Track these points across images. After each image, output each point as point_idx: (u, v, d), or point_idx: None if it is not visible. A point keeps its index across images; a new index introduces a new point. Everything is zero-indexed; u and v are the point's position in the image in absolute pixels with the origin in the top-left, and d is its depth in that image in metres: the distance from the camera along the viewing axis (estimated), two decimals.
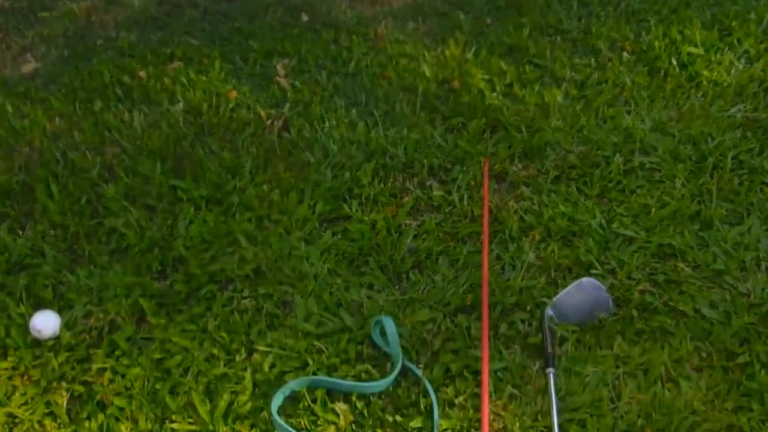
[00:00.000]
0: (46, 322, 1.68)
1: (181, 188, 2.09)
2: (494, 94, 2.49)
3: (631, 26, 2.89)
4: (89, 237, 1.98)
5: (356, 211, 2.00)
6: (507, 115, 2.37)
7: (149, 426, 1.51)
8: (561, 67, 2.65)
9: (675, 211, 1.95)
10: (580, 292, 1.72)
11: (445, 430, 1.47)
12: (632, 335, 1.66)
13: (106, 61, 2.74)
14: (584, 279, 1.75)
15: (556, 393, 1.53)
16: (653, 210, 1.97)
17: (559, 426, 1.46)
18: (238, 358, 1.64)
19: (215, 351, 1.65)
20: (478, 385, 1.56)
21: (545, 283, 1.79)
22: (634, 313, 1.69)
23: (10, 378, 1.64)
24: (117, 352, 1.66)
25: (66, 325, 1.73)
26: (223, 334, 1.68)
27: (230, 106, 2.46)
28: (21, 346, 1.69)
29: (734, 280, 1.75)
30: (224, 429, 1.47)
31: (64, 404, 1.57)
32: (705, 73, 2.51)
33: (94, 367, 1.63)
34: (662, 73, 2.56)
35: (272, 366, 1.61)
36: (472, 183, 2.10)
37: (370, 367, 1.59)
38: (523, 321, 1.70)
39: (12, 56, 2.82)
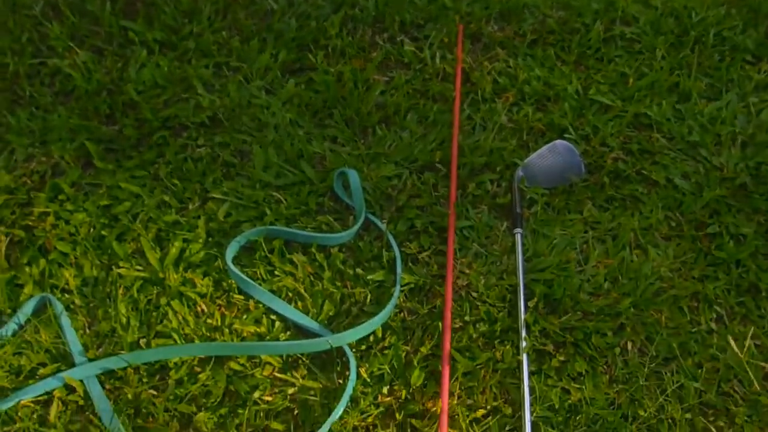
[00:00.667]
0: None
1: (132, 30, 1.93)
2: None
3: None
4: (31, 78, 1.83)
5: (322, 62, 1.88)
6: None
7: (95, 273, 1.43)
8: None
9: (653, 82, 1.88)
10: (553, 155, 1.66)
11: (408, 284, 1.42)
12: (602, 201, 1.62)
13: None
14: (558, 141, 1.68)
15: (523, 253, 1.49)
16: (631, 80, 1.89)
17: (525, 285, 1.42)
18: (191, 206, 1.55)
19: (167, 198, 1.55)
20: (443, 242, 1.51)
21: (516, 146, 1.72)
22: (606, 179, 1.64)
23: None
24: (61, 197, 1.56)
25: (5, 168, 1.61)
26: (176, 182, 1.59)
27: None
28: None
29: (708, 153, 1.70)
30: (175, 276, 1.40)
31: (3, 249, 1.47)
32: None
33: (36, 211, 1.53)
34: None
35: (228, 215, 1.53)
36: (446, 40, 1.98)
37: (331, 220, 1.52)
38: (492, 181, 1.64)
39: None
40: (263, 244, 1.46)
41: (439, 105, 1.81)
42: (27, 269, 1.43)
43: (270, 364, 1.29)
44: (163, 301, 1.36)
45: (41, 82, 1.82)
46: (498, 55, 1.96)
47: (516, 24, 2.06)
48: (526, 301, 1.40)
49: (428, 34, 2.00)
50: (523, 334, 1.34)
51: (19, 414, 1.21)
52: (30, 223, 1.51)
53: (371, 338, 1.34)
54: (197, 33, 1.94)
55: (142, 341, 1.30)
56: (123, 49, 1.91)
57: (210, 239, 1.49)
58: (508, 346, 1.33)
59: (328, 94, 1.78)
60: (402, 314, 1.39)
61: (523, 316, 1.37)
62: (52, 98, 1.78)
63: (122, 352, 1.28)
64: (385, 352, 1.32)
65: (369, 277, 1.42)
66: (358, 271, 1.44)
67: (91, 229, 1.50)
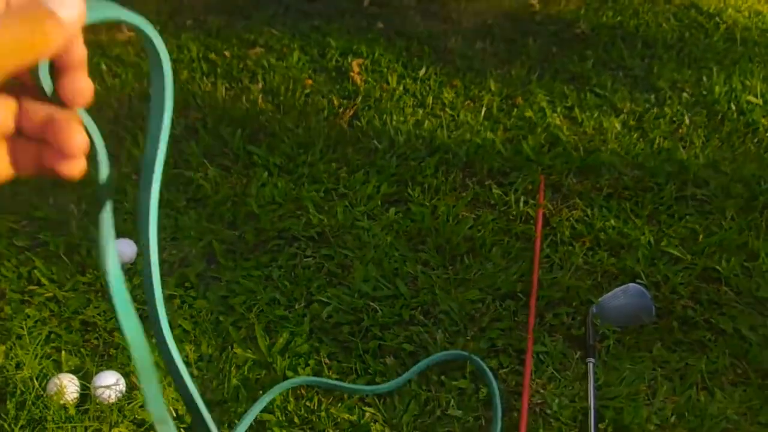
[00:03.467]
0: (124, 248, 1.80)
1: (256, 154, 2.22)
2: (555, 114, 2.60)
3: (692, 71, 3.00)
4: (169, 185, 2.11)
5: (418, 196, 2.11)
6: (566, 133, 2.48)
7: (210, 351, 1.61)
8: (621, 99, 2.76)
9: (722, 240, 2.03)
10: (626, 296, 1.80)
11: (486, 395, 1.55)
12: (671, 343, 1.73)
13: (194, 38, 2.91)
14: (631, 284, 1.83)
15: (595, 381, 1.61)
16: (701, 236, 2.05)
17: (596, 409, 1.53)
18: (297, 306, 1.74)
19: (277, 296, 1.75)
20: (521, 363, 1.64)
21: (591, 285, 1.87)
22: (675, 324, 1.76)
23: (86, 292, 1.76)
24: (186, 284, 1.78)
25: (141, 256, 1.84)
26: (286, 283, 1.79)
27: (306, 91, 2.59)
28: (100, 266, 1.81)
29: None
30: (281, 362, 1.57)
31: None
32: (763, 122, 2.60)
33: (165, 293, 1.74)
34: (720, 117, 2.65)
35: (329, 316, 1.71)
36: (529, 188, 2.20)
37: (421, 330, 1.68)
38: (567, 314, 1.78)
39: (108, 25, 2.99)
40: (359, 345, 1.62)
41: (521, 243, 2.00)
42: (153, 340, 1.61)
43: None
44: (268, 380, 1.53)
45: (177, 189, 2.10)
46: (576, 205, 2.16)
47: (593, 179, 2.27)
48: (596, 423, 1.51)
49: (513, 181, 2.23)
50: None
51: None
52: None
53: None
54: (310, 162, 2.22)
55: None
56: (247, 169, 2.19)
57: (313, 335, 1.66)
58: None
59: (423, 224, 2.00)
60: (481, 421, 1.51)
61: None
62: (185, 203, 2.05)
63: (236, 421, 1.43)
64: None
65: (453, 383, 1.56)
66: (443, 378, 1.58)
67: (210, 314, 1.70)
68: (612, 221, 2.09)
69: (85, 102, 0.40)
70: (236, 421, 1.45)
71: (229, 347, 1.62)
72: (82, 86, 0.39)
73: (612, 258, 1.96)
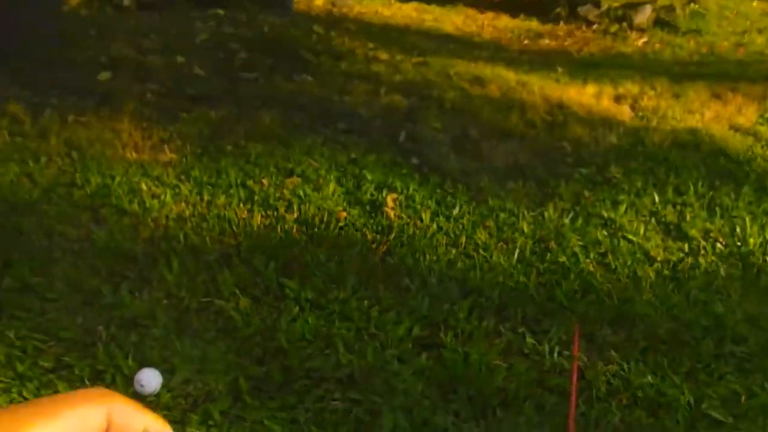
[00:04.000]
0: (149, 380, 1.77)
1: (288, 287, 2.21)
2: (588, 260, 2.59)
3: (724, 220, 3.00)
4: (199, 312, 2.10)
5: (450, 341, 2.07)
6: (600, 281, 2.45)
7: None
8: (654, 248, 2.75)
9: (765, 403, 1.95)
10: None
11: None
12: None
13: (233, 164, 2.98)
14: None
15: None
16: (743, 398, 1.97)
17: None
18: None
19: None
20: None
21: None
22: None
23: None
24: (210, 422, 1.73)
25: (166, 387, 1.81)
26: (313, 428, 1.74)
27: (339, 224, 2.62)
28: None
29: None
30: None
31: None
32: None
33: (188, 430, 1.69)
34: (755, 269, 2.62)
35: None
36: (563, 337, 2.16)
37: None
38: None
39: (151, 145, 3.09)
40: None
41: (555, 398, 1.93)
42: None
43: None
44: None
45: (207, 318, 2.09)
46: (612, 358, 2.10)
47: (628, 329, 2.23)
48: None
49: (547, 329, 2.19)
50: None
51: None
52: None
53: None
54: (342, 299, 2.20)
55: None
56: (278, 301, 2.18)
57: None
58: None
59: (455, 372, 1.95)
60: None
61: None
62: (214, 334, 2.03)
63: None
64: None
65: None
66: None
67: None
68: (649, 377, 2.02)
69: None
70: None
71: None
72: None
73: (650, 418, 1.89)
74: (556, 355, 2.07)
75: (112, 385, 1.81)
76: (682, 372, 2.06)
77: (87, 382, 1.83)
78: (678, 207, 3.13)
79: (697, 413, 1.91)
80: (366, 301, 2.20)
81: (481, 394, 1.89)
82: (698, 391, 2.00)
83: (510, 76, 4.92)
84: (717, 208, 3.13)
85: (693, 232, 2.89)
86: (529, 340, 2.12)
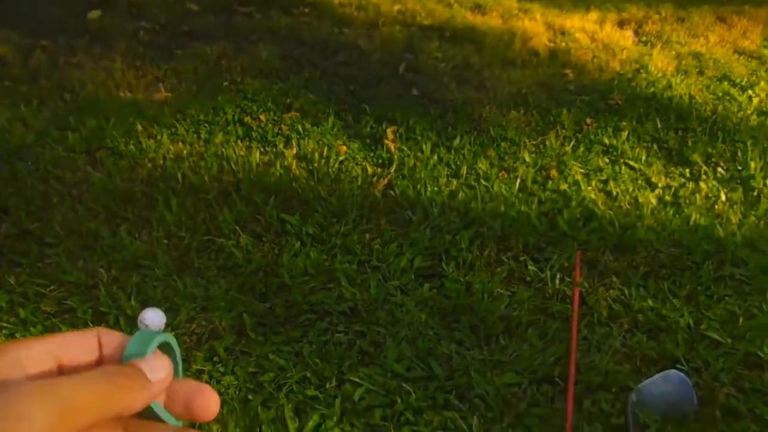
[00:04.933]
0: (152, 319, 1.74)
1: (289, 222, 2.20)
2: (590, 188, 2.57)
3: (726, 145, 2.97)
4: (200, 251, 2.10)
5: (453, 271, 2.07)
6: (601, 208, 2.44)
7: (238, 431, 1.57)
8: (656, 173, 2.73)
9: (763, 324, 1.97)
10: (667, 383, 1.74)
11: None
12: None
13: (231, 101, 2.94)
14: (672, 371, 1.76)
15: None
16: (741, 319, 1.98)
17: None
18: (329, 385, 1.70)
19: (308, 375, 1.71)
20: None
21: (630, 370, 1.81)
22: (718, 414, 1.69)
23: None
24: (215, 358, 1.74)
25: (170, 326, 1.82)
26: (317, 360, 1.75)
27: (340, 158, 2.59)
28: None
29: None
30: None
31: None
32: None
33: (193, 367, 1.71)
34: (756, 193, 2.61)
35: (361, 398, 1.66)
36: (565, 264, 2.16)
37: (456, 417, 1.62)
38: (606, 401, 1.72)
39: (146, 84, 3.05)
40: (392, 430, 1.57)
41: (558, 323, 1.95)
42: None
43: None
44: None
45: (208, 256, 2.09)
46: (613, 284, 2.11)
47: (630, 256, 2.23)
48: None
49: (549, 256, 2.19)
50: None
51: None
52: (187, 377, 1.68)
53: None
54: (344, 233, 2.20)
55: None
56: (279, 237, 2.17)
57: (344, 418, 1.61)
58: None
59: (458, 301, 1.96)
60: None
61: None
62: (216, 272, 2.03)
63: None
64: None
65: None
66: None
67: (238, 392, 1.66)
68: (650, 302, 2.03)
69: (214, 414, 0.43)
70: None
71: (258, 429, 1.57)
72: (210, 408, 0.42)
73: (651, 341, 1.91)
74: (558, 282, 2.08)
75: (115, 326, 1.82)
76: (682, 295, 2.07)
77: (90, 324, 1.84)
78: (680, 132, 3.10)
79: (697, 335, 1.93)
80: (368, 235, 2.19)
81: (484, 322, 1.90)
82: (698, 313, 2.01)
83: (512, 3, 4.81)
84: (719, 133, 3.10)
85: (694, 157, 2.87)
86: (531, 267, 2.12)
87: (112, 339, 0.42)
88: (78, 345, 0.40)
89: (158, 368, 0.41)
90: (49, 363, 0.38)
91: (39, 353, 0.38)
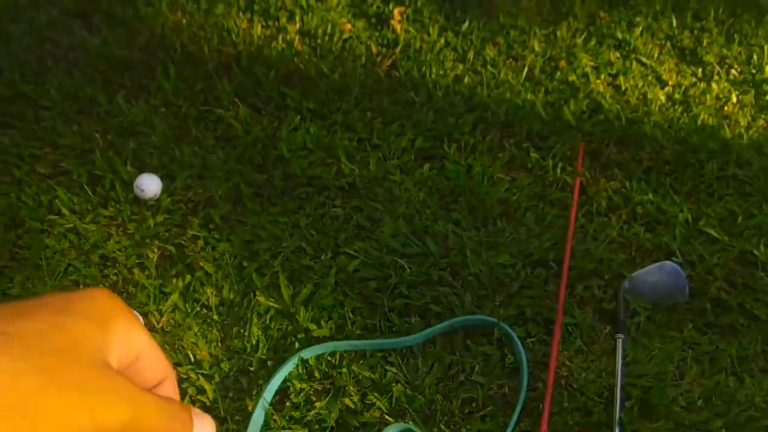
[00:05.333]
0: (148, 184, 1.76)
1: (290, 96, 2.15)
2: (598, 81, 2.51)
3: (742, 48, 2.88)
4: (198, 121, 2.06)
5: (454, 153, 2.04)
6: (609, 101, 2.39)
7: (232, 296, 1.58)
8: (667, 71, 2.65)
9: (761, 223, 1.96)
10: (660, 273, 1.74)
11: (511, 363, 1.51)
12: (702, 325, 1.68)
13: None
14: (666, 262, 1.77)
15: (623, 357, 1.56)
16: (740, 218, 1.98)
17: (622, 387, 1.49)
18: (323, 256, 1.70)
19: (304, 245, 1.71)
20: (548, 333, 1.60)
21: (625, 260, 1.82)
22: (708, 305, 1.71)
23: (107, 226, 1.73)
24: (211, 225, 1.74)
25: (166, 192, 1.80)
26: (313, 232, 1.75)
27: (344, 36, 2.51)
28: (122, 200, 1.78)
29: None
30: (304, 313, 1.53)
31: (155, 259, 1.65)
32: None
33: (189, 233, 1.71)
34: (767, 97, 2.55)
35: (356, 270, 1.66)
36: (567, 154, 2.13)
37: (450, 291, 1.63)
38: (599, 287, 1.73)
39: None
40: (385, 302, 1.58)
41: (556, 210, 1.93)
42: (174, 281, 1.59)
43: (380, 408, 1.39)
44: (290, 331, 1.49)
45: (206, 126, 2.05)
46: (614, 175, 2.09)
47: (634, 150, 2.20)
48: (622, 401, 1.46)
49: (552, 145, 2.16)
50: (617, 430, 1.40)
51: None
52: (181, 242, 1.68)
53: (473, 404, 1.42)
54: (345, 110, 2.15)
55: (269, 363, 1.43)
56: (279, 111, 2.12)
57: (338, 288, 1.62)
58: None
59: (457, 183, 1.94)
60: (504, 389, 1.47)
61: (618, 414, 1.43)
62: (214, 141, 2.00)
63: (251, 368, 1.40)
64: (486, 419, 1.40)
65: (479, 348, 1.52)
66: (468, 342, 1.54)
67: (233, 258, 1.66)
68: (650, 195, 2.02)
69: None
70: (258, 374, 1.42)
71: (252, 294, 1.58)
72: None
73: (648, 233, 1.90)
74: (559, 170, 2.05)
75: (111, 190, 1.80)
76: (683, 192, 2.05)
77: (86, 188, 1.82)
78: (695, 32, 2.99)
79: (694, 230, 1.92)
80: (369, 113, 2.15)
81: (482, 204, 1.89)
82: (697, 210, 2.00)
83: None
84: (735, 35, 3.00)
85: (708, 58, 2.78)
86: (533, 155, 2.09)
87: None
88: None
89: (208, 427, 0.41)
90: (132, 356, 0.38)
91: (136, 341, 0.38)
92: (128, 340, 0.37)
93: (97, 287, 0.39)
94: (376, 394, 1.40)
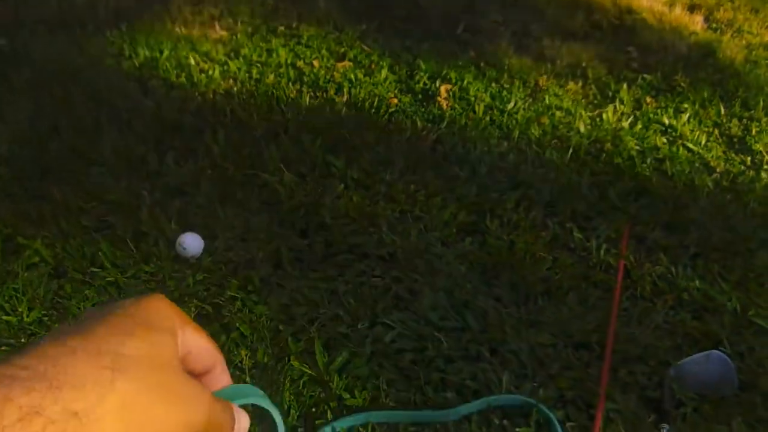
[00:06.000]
0: (192, 243, 1.77)
1: (335, 165, 2.17)
2: (644, 165, 2.49)
3: None
4: (244, 185, 2.08)
5: (496, 229, 2.02)
6: (655, 185, 2.36)
7: (266, 360, 1.55)
8: (714, 158, 2.63)
9: None
10: (708, 363, 1.67)
11: None
12: (753, 420, 1.60)
13: (285, 45, 2.91)
14: (714, 351, 1.70)
15: None
16: None
17: None
18: (360, 325, 1.67)
19: (341, 313, 1.69)
20: (590, 418, 1.53)
21: (670, 347, 1.75)
22: (758, 399, 1.63)
23: (147, 281, 1.73)
24: (249, 287, 1.73)
25: (207, 251, 1.81)
26: (351, 300, 1.73)
27: (390, 110, 2.55)
28: (164, 257, 1.79)
29: None
30: (338, 381, 1.50)
31: (192, 317, 1.63)
32: None
33: (227, 293, 1.70)
34: None
35: (393, 341, 1.63)
36: (612, 236, 2.09)
37: (488, 368, 1.58)
38: (643, 374, 1.66)
39: (201, 21, 3.03)
40: (421, 375, 1.54)
41: (599, 292, 1.89)
42: None
43: None
44: (323, 398, 1.45)
45: (251, 190, 2.07)
46: (660, 260, 2.04)
47: (681, 235, 2.15)
48: None
49: (596, 226, 2.12)
50: None
51: None
52: (219, 302, 1.68)
53: None
54: (389, 181, 2.16)
55: (300, 430, 1.39)
56: (323, 179, 2.14)
57: (373, 358, 1.58)
58: None
59: (499, 258, 1.91)
60: None
61: None
62: (258, 205, 2.01)
63: None
64: None
65: (516, 429, 1.46)
66: (505, 422, 1.48)
67: (269, 322, 1.64)
68: (697, 282, 1.96)
69: None
70: None
71: (286, 359, 1.55)
72: None
73: (695, 321, 1.84)
74: (603, 252, 2.01)
75: (154, 246, 1.82)
76: (731, 280, 1.99)
77: (129, 243, 1.84)
78: (744, 121, 2.98)
79: (743, 320, 1.85)
80: (413, 185, 2.15)
81: (524, 281, 1.86)
82: (747, 299, 1.93)
83: None
84: None
85: (757, 147, 2.75)
86: (577, 235, 2.06)
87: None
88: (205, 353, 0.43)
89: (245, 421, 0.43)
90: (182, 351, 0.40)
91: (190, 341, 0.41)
92: (185, 340, 0.40)
93: (155, 294, 0.41)
94: None
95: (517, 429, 1.48)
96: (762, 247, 2.12)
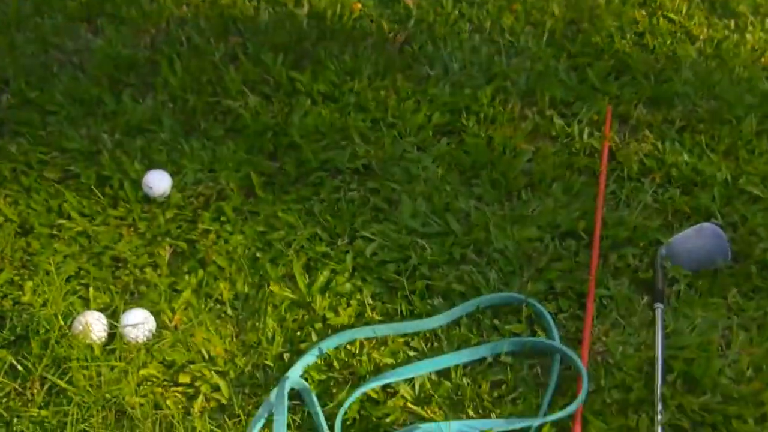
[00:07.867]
0: (158, 180, 1.72)
1: (299, 81, 2.09)
2: (624, 41, 2.39)
3: None
4: (206, 113, 2.01)
5: (473, 126, 1.96)
6: (635, 61, 2.27)
7: (247, 289, 1.53)
8: (697, 25, 2.52)
9: None
10: (700, 237, 1.64)
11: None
12: (748, 290, 1.57)
13: None
14: (705, 224, 1.66)
15: (663, 328, 1.46)
16: None
17: (663, 360, 1.39)
18: (340, 242, 1.64)
19: (319, 232, 1.66)
20: (581, 307, 1.51)
21: (660, 225, 1.71)
22: (753, 269, 1.60)
23: (117, 227, 1.70)
24: (222, 218, 1.70)
25: (176, 187, 1.76)
26: (328, 218, 1.69)
27: (354, 16, 2.44)
28: (132, 199, 1.74)
29: None
30: (321, 302, 1.47)
31: (167, 257, 1.61)
32: None
33: (200, 227, 1.67)
34: None
35: (374, 254, 1.60)
36: (594, 119, 2.03)
37: (474, 270, 1.55)
38: (634, 256, 1.63)
39: None
40: (405, 285, 1.51)
41: (584, 178, 1.84)
42: (186, 277, 1.56)
43: (404, 397, 1.32)
44: (307, 321, 1.43)
45: (215, 118, 2.00)
46: (646, 138, 1.98)
47: (665, 110, 2.08)
48: (664, 375, 1.37)
49: (577, 111, 2.05)
50: (660, 407, 1.31)
51: (167, 403, 1.30)
52: (193, 238, 1.65)
53: (503, 387, 1.35)
54: (357, 90, 2.08)
55: (286, 356, 1.37)
56: (289, 97, 2.07)
57: (356, 273, 1.56)
58: (643, 416, 1.30)
59: (477, 156, 1.85)
60: (536, 369, 1.39)
61: (660, 389, 1.34)
62: (223, 133, 1.95)
63: (266, 362, 1.35)
64: (517, 402, 1.32)
65: (506, 327, 1.44)
66: (495, 321, 1.46)
67: (247, 250, 1.61)
68: (685, 156, 1.90)
69: None
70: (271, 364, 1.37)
71: (266, 285, 1.53)
72: None
73: (684, 196, 1.79)
74: (586, 136, 1.95)
75: (120, 190, 1.76)
76: (720, 150, 1.94)
77: (94, 190, 1.78)
78: None
79: (734, 189, 1.81)
80: (383, 91, 2.07)
81: (505, 177, 1.80)
82: (736, 168, 1.88)
83: None
84: None
85: (741, 9, 2.63)
86: (558, 122, 1.99)
87: None
88: None
89: None
90: None
91: None
92: None
93: None
94: (399, 382, 1.33)
95: (509, 327, 1.46)
96: (749, 113, 2.05)
